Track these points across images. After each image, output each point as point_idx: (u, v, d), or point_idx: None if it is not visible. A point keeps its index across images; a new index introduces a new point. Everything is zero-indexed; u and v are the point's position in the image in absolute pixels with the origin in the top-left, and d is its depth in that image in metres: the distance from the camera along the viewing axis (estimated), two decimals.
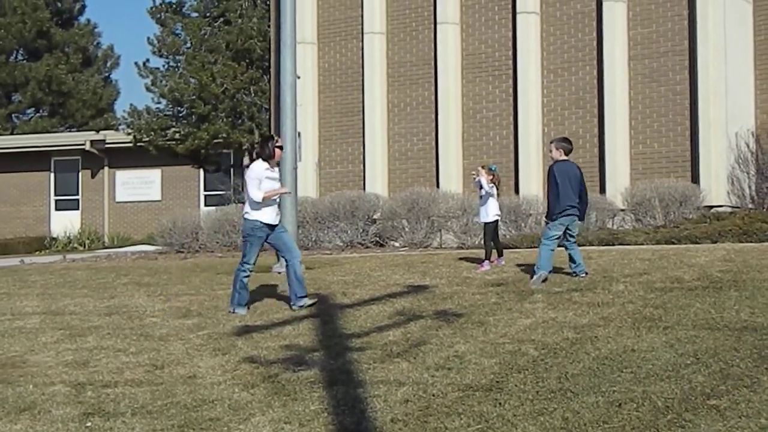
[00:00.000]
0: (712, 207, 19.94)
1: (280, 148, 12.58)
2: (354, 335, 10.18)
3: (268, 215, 12.16)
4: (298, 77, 17.61)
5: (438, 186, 22.70)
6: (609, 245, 17.50)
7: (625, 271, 13.40)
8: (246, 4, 33.29)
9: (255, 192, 12.01)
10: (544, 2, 22.39)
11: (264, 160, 12.24)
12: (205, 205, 36.49)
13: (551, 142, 13.70)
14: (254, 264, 12.34)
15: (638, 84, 21.31)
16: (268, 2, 30.12)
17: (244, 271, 12.19)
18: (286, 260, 12.32)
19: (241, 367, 9.18)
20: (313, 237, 22.05)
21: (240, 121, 32.78)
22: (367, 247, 21.40)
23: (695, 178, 20.47)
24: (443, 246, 20.91)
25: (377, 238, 22.01)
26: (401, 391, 7.94)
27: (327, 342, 10.00)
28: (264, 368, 9.03)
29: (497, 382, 8.03)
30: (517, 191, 21.70)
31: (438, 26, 23.31)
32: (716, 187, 20.28)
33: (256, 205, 12.09)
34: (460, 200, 21.47)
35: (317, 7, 25.09)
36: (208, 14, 34.25)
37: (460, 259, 16.59)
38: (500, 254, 15.49)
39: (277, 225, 12.30)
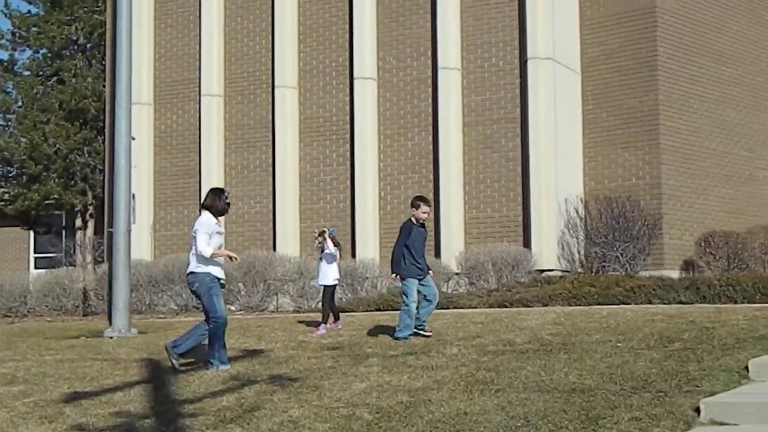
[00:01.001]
0: (543, 271, 20.41)
1: (228, 204, 12.13)
2: (187, 401, 9.99)
3: (219, 270, 11.76)
4: (134, 138, 17.40)
5: (275, 249, 22.62)
6: (444, 308, 17.62)
7: (459, 334, 13.55)
8: (80, 63, 32.78)
9: (205, 247, 11.52)
10: (381, 68, 22.72)
11: (213, 214, 11.87)
12: (35, 267, 35.40)
13: None
14: (226, 316, 11.76)
15: (472, 150, 21.76)
16: (103, 62, 29.74)
17: (222, 324, 11.62)
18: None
19: None
20: (146, 300, 21.65)
21: (73, 182, 32.10)
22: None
23: (527, 243, 20.94)
24: (280, 309, 20.79)
25: None
26: None
27: (159, 408, 9.77)
28: None
29: None
30: (354, 255, 21.78)
31: (276, 90, 23.38)
32: (547, 251, 20.79)
33: (205, 259, 11.62)
34: (297, 263, 21.44)
35: (154, 68, 24.89)
36: (41, 73, 33.61)
37: (297, 322, 16.52)
38: (337, 318, 15.47)
39: (223, 281, 11.91)
